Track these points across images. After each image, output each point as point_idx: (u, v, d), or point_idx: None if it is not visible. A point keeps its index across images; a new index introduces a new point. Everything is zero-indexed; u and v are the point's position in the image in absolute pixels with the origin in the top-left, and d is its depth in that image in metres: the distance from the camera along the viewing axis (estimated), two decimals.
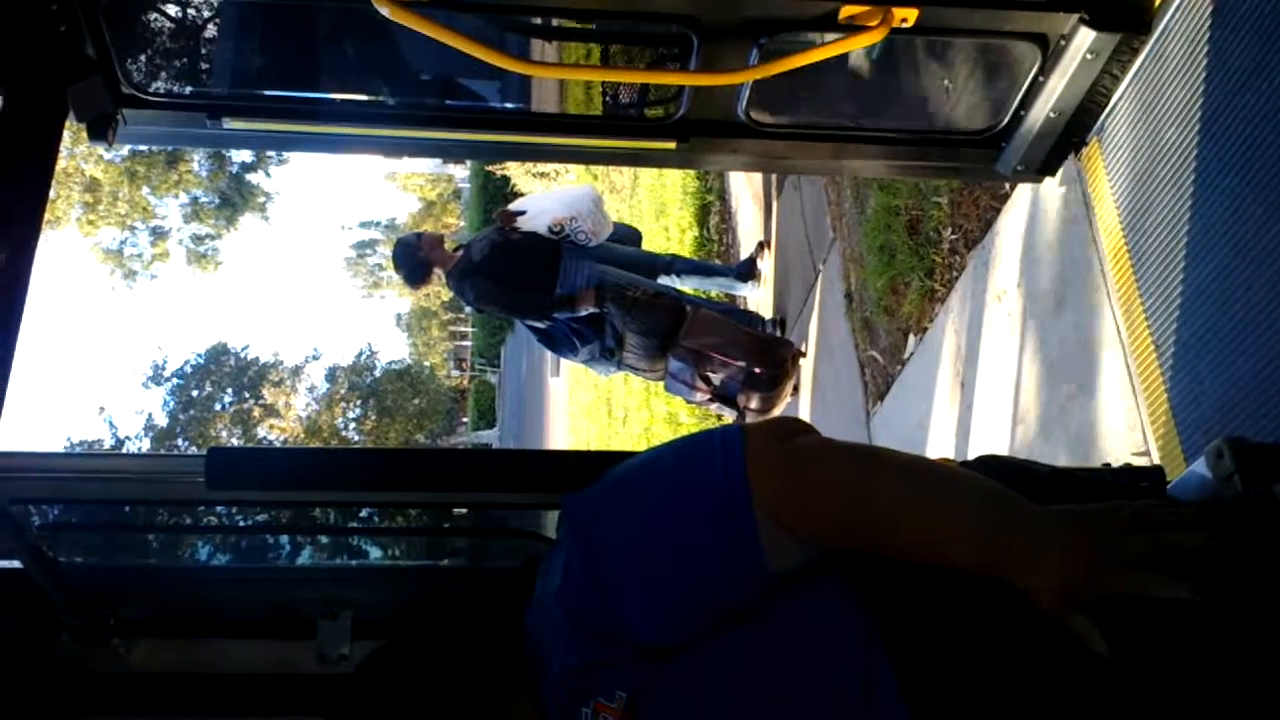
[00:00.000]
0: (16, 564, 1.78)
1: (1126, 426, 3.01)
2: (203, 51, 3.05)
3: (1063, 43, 2.60)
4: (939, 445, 4.21)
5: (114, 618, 1.86)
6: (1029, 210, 3.58)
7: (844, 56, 3.03)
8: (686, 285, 6.59)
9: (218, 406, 35.81)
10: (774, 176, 6.61)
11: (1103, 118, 2.86)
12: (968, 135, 2.94)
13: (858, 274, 5.08)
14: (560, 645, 1.19)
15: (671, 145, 2.78)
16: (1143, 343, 2.94)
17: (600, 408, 12.21)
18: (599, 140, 2.92)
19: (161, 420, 33.72)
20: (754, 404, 5.62)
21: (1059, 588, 1.07)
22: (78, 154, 25.62)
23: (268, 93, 2.97)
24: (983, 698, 1.09)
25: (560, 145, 2.98)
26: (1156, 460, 2.82)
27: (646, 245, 7.37)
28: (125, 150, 26.16)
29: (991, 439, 3.83)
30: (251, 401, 36.52)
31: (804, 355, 5.86)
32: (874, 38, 2.50)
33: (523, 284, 5.83)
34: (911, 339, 4.54)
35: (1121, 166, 2.99)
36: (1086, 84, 2.68)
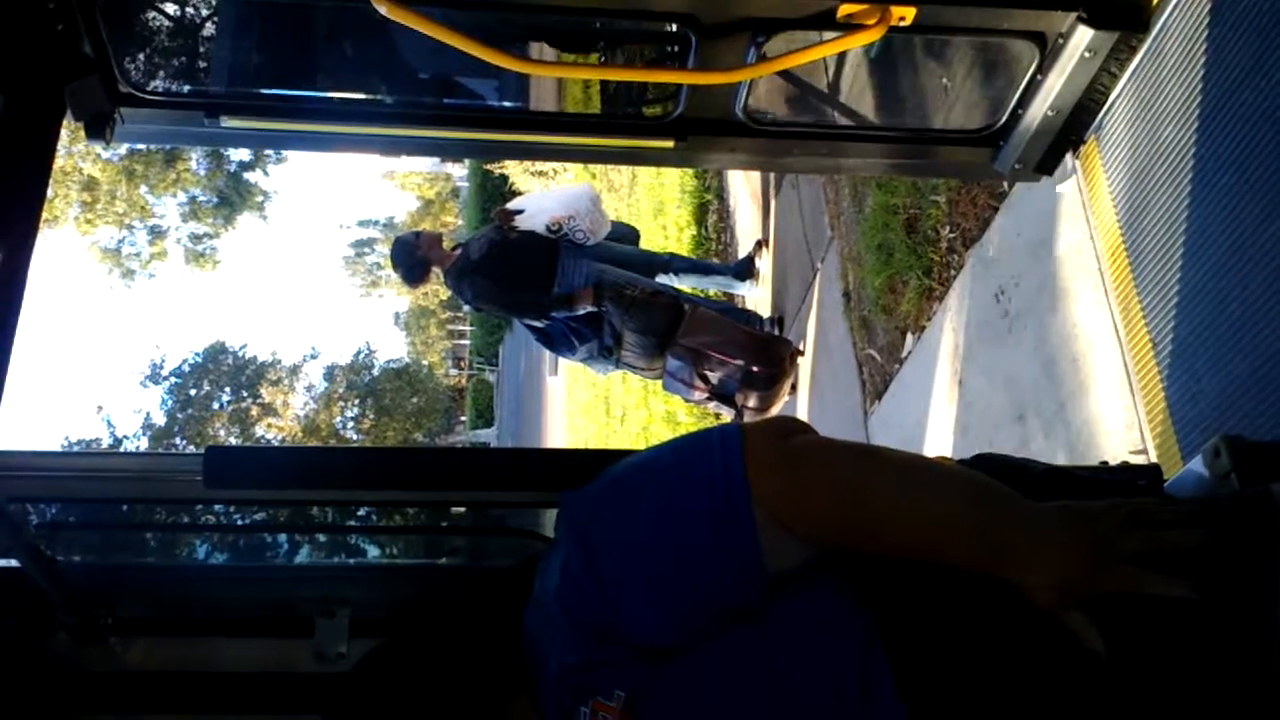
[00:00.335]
0: (14, 563, 1.78)
1: (1124, 425, 3.01)
2: (200, 50, 3.05)
3: (1061, 41, 2.60)
4: (937, 444, 4.21)
5: (111, 616, 1.86)
6: (1027, 209, 3.58)
7: (842, 55, 3.03)
8: (684, 284, 6.59)
9: (216, 405, 35.81)
10: (772, 175, 6.62)
11: (1101, 116, 2.86)
12: (965, 134, 2.94)
13: (856, 273, 5.08)
14: (559, 644, 1.19)
15: (669, 144, 2.78)
16: (1140, 341, 2.94)
17: (598, 406, 12.21)
18: (597, 139, 2.92)
19: (159, 419, 33.76)
20: (752, 403, 5.62)
21: (1056, 585, 1.08)
22: (75, 153, 25.60)
23: (265, 91, 2.96)
24: (980, 696, 1.09)
25: (558, 144, 2.98)
26: (1154, 458, 2.83)
27: (645, 244, 7.37)
28: (123, 149, 26.17)
29: (989, 438, 3.83)
30: (249, 400, 36.52)
31: (802, 354, 5.86)
32: (872, 36, 2.50)
33: (521, 283, 5.83)
34: (909, 338, 4.54)
35: (1119, 165, 2.99)
36: (1084, 82, 2.68)
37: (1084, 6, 2.53)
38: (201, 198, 32.61)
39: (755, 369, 5.56)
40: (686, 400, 6.20)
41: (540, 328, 6.11)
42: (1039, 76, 2.68)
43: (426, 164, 49.06)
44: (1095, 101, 2.75)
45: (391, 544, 2.34)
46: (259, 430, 36.13)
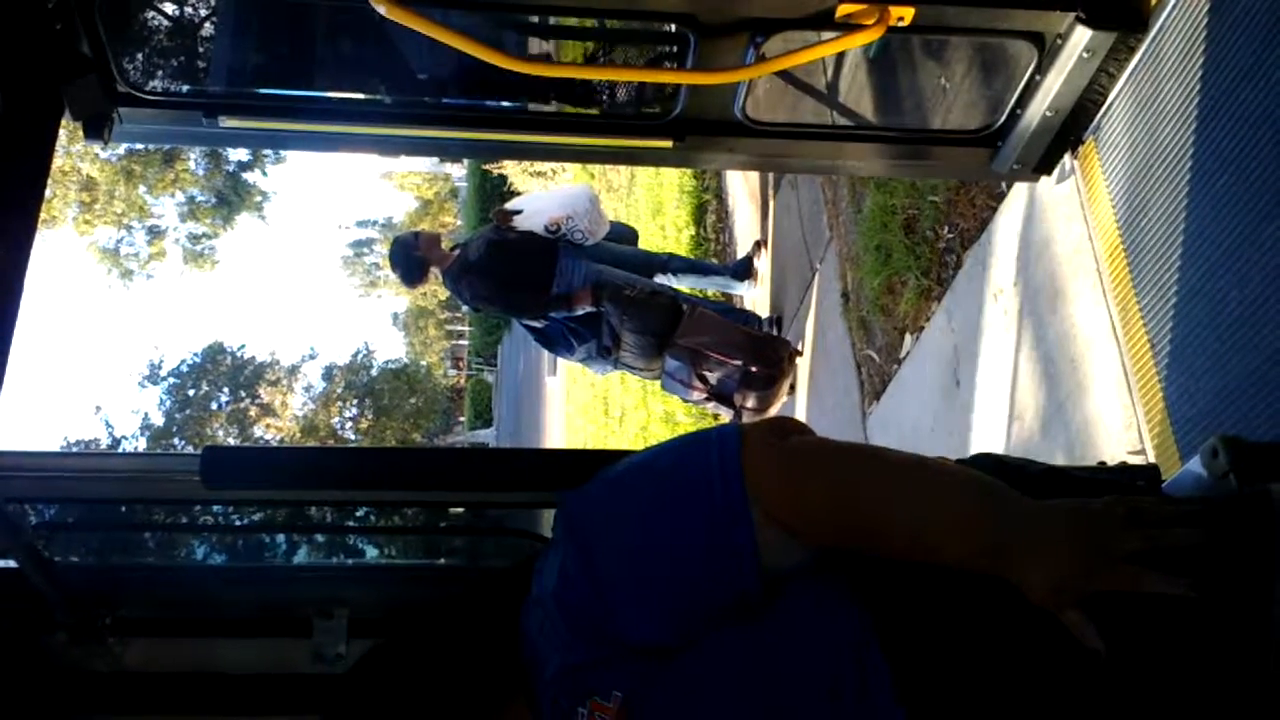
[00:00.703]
0: (12, 563, 1.78)
1: (1122, 425, 3.01)
2: (199, 49, 3.04)
3: (1059, 41, 2.60)
4: (935, 444, 4.21)
5: (109, 617, 1.86)
6: (1025, 209, 3.59)
7: (841, 55, 3.04)
8: (683, 284, 6.59)
9: (214, 406, 35.80)
10: (771, 175, 6.62)
11: (1099, 116, 2.86)
12: (964, 134, 2.94)
13: (854, 273, 5.08)
14: (556, 645, 1.19)
15: (668, 144, 2.78)
16: (1138, 341, 2.94)
17: (597, 407, 12.21)
18: (596, 139, 2.92)
19: (158, 419, 33.75)
20: (750, 403, 5.62)
21: (1054, 583, 1.07)
22: (74, 153, 25.58)
23: (264, 91, 2.96)
24: (978, 696, 1.09)
25: (557, 144, 2.98)
26: (1152, 459, 2.83)
27: (643, 244, 7.37)
28: (121, 149, 26.14)
29: (987, 438, 3.83)
30: (248, 401, 36.51)
31: (800, 354, 5.86)
32: (870, 36, 2.50)
33: (520, 283, 5.83)
34: (908, 338, 4.55)
35: (1118, 165, 3.00)
36: (1083, 82, 2.68)
37: (1082, 7, 2.53)
38: (200, 198, 32.60)
39: (754, 369, 5.56)
40: (685, 400, 6.20)
41: (539, 328, 6.11)
42: (1037, 77, 2.69)
43: (425, 164, 49.09)
44: (1094, 102, 2.75)
45: (390, 544, 2.34)
46: (257, 430, 36.12)
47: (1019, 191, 3.62)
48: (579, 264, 5.82)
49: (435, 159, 37.60)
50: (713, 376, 5.59)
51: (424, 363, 49.45)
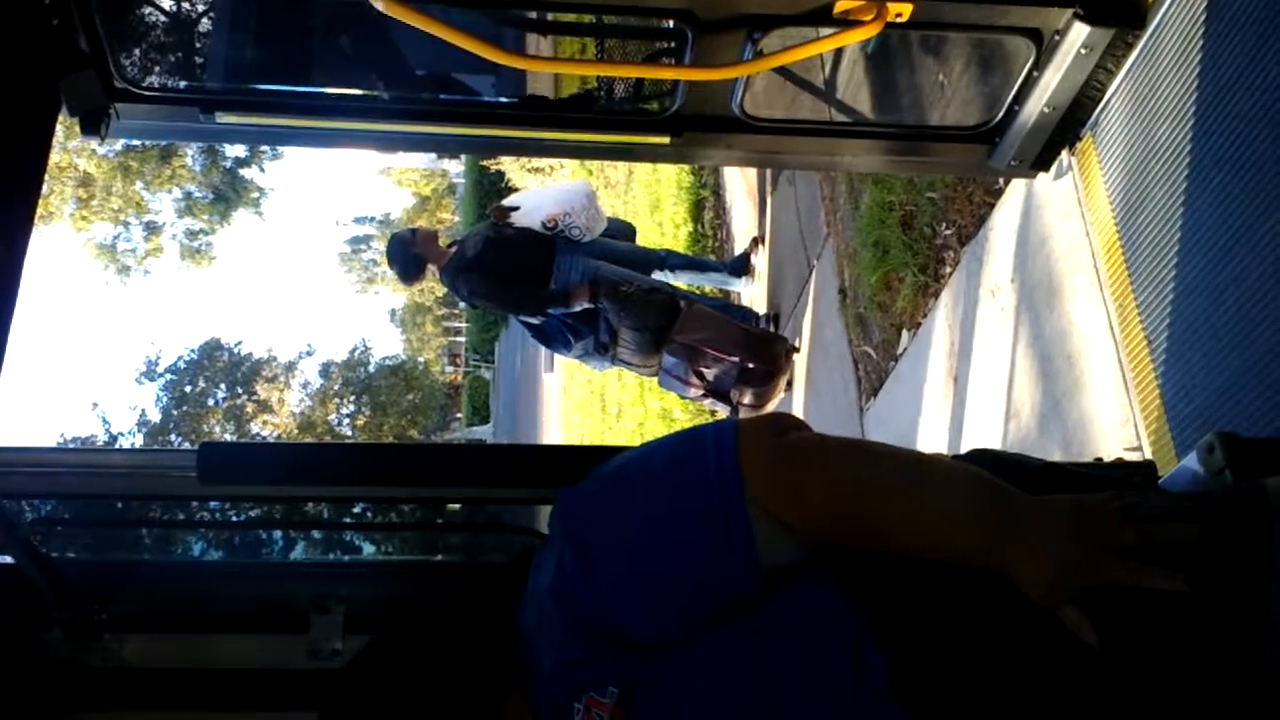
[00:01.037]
0: (8, 559, 1.77)
1: (1119, 421, 3.02)
2: (196, 45, 3.04)
3: (1057, 38, 2.60)
4: (932, 440, 4.21)
5: (106, 612, 1.86)
6: (1023, 205, 3.59)
7: (839, 51, 3.03)
8: (680, 280, 6.59)
9: (211, 402, 35.78)
10: (768, 172, 6.61)
11: (1097, 113, 2.86)
12: (962, 130, 2.94)
13: (852, 269, 5.08)
14: (553, 641, 1.19)
15: (666, 140, 2.78)
16: (1135, 337, 2.94)
17: (594, 403, 12.21)
18: (593, 135, 2.92)
19: (155, 416, 33.72)
20: (748, 399, 5.63)
21: (1051, 578, 1.08)
22: (71, 149, 25.54)
23: (261, 87, 2.96)
24: (974, 692, 1.09)
25: (554, 140, 2.98)
26: (1148, 455, 2.83)
27: (641, 240, 7.36)
28: (118, 145, 26.09)
29: (984, 434, 3.83)
30: (245, 397, 36.48)
31: (798, 350, 5.86)
32: (868, 32, 2.50)
33: (517, 280, 5.82)
34: (905, 334, 4.55)
35: (1115, 162, 3.00)
36: (1081, 79, 2.68)
37: (1080, 3, 2.53)
38: (197, 194, 32.55)
39: (751, 366, 5.56)
40: (682, 397, 6.20)
41: (536, 324, 6.11)
42: (1035, 73, 2.69)
43: (423, 160, 49.04)
44: (1091, 98, 2.75)
45: (387, 540, 2.34)
46: (254, 427, 36.10)
47: (1016, 188, 3.62)
48: (576, 260, 5.82)
49: (433, 155, 37.58)
50: (710, 373, 5.59)
51: (421, 359, 49.43)
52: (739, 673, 1.13)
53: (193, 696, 1.89)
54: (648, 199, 10.08)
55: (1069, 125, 2.81)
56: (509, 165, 14.06)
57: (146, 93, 2.62)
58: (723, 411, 5.84)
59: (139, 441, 31.33)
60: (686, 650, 1.14)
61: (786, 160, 3.74)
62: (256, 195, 34.72)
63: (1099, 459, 1.90)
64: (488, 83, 3.09)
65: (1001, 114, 2.81)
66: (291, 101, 2.88)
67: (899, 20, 2.51)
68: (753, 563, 1.14)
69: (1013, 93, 2.75)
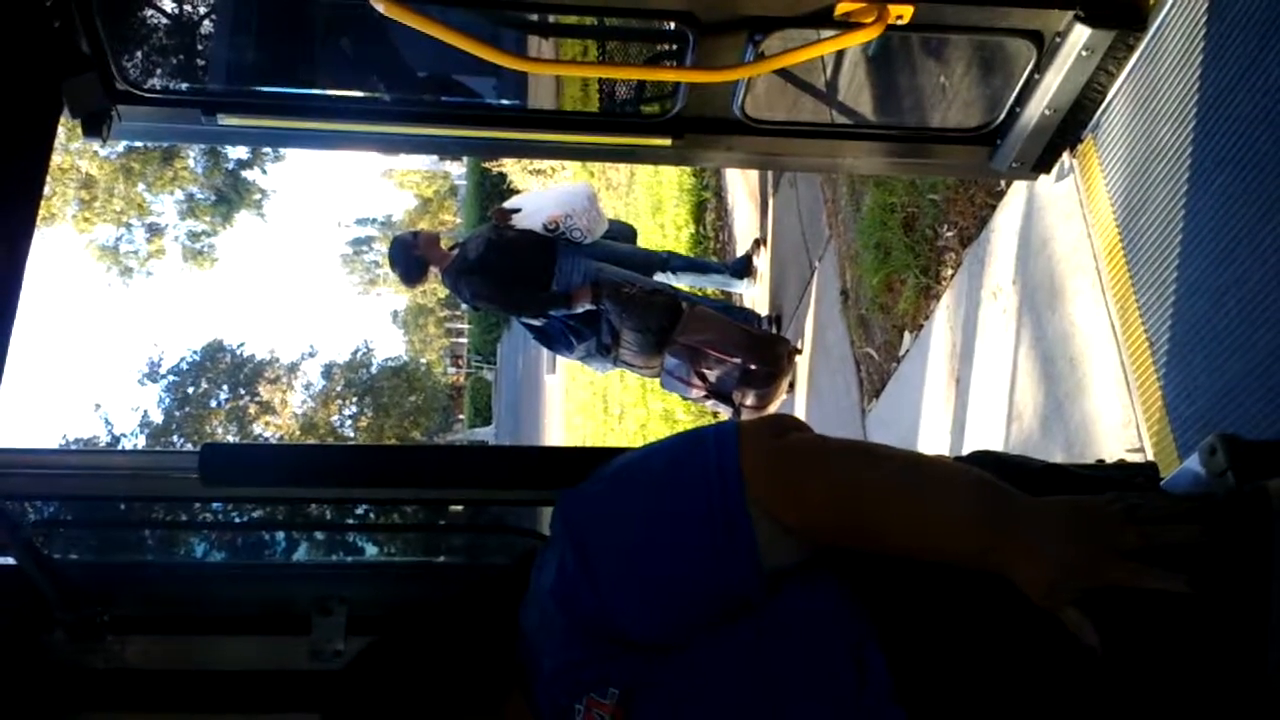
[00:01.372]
0: (10, 560, 1.77)
1: (1121, 423, 3.02)
2: (198, 47, 3.05)
3: (1058, 40, 2.60)
4: (934, 442, 4.21)
5: (108, 614, 1.86)
6: (1024, 207, 3.59)
7: (840, 54, 3.04)
8: (682, 282, 6.59)
9: (213, 403, 35.78)
10: (770, 174, 6.62)
11: (1098, 115, 2.86)
12: (963, 132, 2.94)
13: (853, 271, 5.08)
14: (554, 642, 1.19)
15: (667, 142, 2.78)
16: (1137, 339, 2.94)
17: (596, 404, 12.21)
18: (595, 137, 2.92)
19: (157, 417, 33.72)
20: (749, 401, 5.63)
21: (1052, 579, 1.08)
22: (73, 150, 25.56)
23: (263, 89, 2.96)
24: (976, 693, 1.09)
25: (556, 142, 2.98)
26: (1150, 457, 2.83)
27: (643, 242, 7.37)
28: (120, 147, 26.11)
29: (986, 435, 3.83)
30: (247, 398, 36.49)
31: (799, 352, 5.86)
32: (869, 35, 2.50)
33: (519, 282, 5.83)
34: (907, 336, 4.55)
35: (1117, 163, 3.00)
36: (1082, 81, 2.68)
37: (1081, 5, 2.53)
38: (199, 195, 32.57)
39: (753, 367, 5.56)
40: (684, 398, 6.20)
41: (538, 326, 6.11)
42: (1036, 75, 2.69)
43: (425, 162, 49.04)
44: (1092, 100, 2.75)
45: (389, 542, 2.34)
46: (256, 428, 36.11)
47: (1018, 190, 3.62)
48: (578, 262, 5.82)
49: (435, 157, 37.58)
50: (712, 374, 5.59)
51: (423, 361, 49.42)
52: (740, 674, 1.13)
53: (195, 698, 1.89)
54: (649, 201, 10.08)
55: (1070, 127, 2.81)
56: (511, 167, 14.07)
57: (148, 94, 2.62)
58: (725, 413, 5.84)
59: (141, 443, 31.33)
60: (688, 651, 1.14)
61: (788, 162, 3.74)
62: (258, 197, 34.75)
63: (1101, 461, 1.90)
64: (489, 85, 3.09)
65: (1003, 116, 2.81)
66: (293, 103, 2.88)
67: (900, 22, 2.51)
68: (754, 564, 1.14)
69: (1014, 95, 2.75)
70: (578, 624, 1.17)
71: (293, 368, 38.73)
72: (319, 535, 2.29)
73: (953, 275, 4.12)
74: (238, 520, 2.14)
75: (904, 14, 2.49)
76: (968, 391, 4.01)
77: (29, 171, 2.10)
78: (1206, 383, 2.66)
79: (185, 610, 1.94)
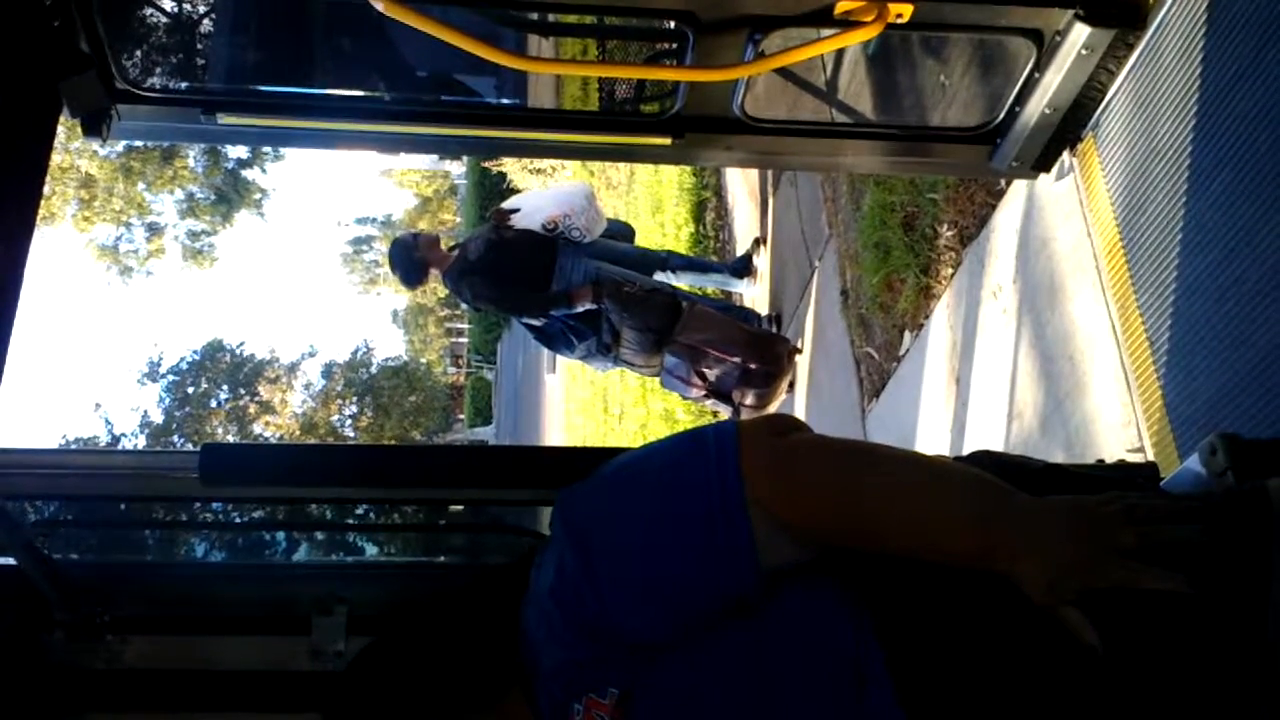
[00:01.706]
0: (11, 560, 1.77)
1: (1121, 423, 3.02)
2: (197, 46, 3.05)
3: (1058, 38, 2.60)
4: (934, 442, 4.21)
5: (108, 614, 1.86)
6: (1024, 206, 3.59)
7: (839, 52, 3.04)
8: (682, 281, 6.59)
9: (213, 403, 35.81)
10: (770, 173, 6.62)
11: (1098, 114, 2.86)
12: (963, 131, 2.94)
13: (853, 270, 5.08)
14: (553, 641, 1.19)
15: (667, 141, 2.78)
16: (1137, 339, 2.94)
17: (596, 404, 12.21)
18: (594, 136, 2.92)
19: (157, 417, 33.76)
20: (749, 400, 5.63)
21: (1051, 579, 1.08)
22: (72, 150, 25.57)
23: (263, 88, 2.96)
24: (976, 695, 1.09)
25: (556, 141, 2.98)
26: (1150, 456, 2.83)
27: (643, 241, 7.37)
28: (120, 146, 26.12)
29: (986, 435, 3.83)
30: (247, 398, 36.53)
31: (799, 352, 5.86)
32: (869, 33, 2.50)
33: (519, 282, 5.83)
34: (907, 335, 4.55)
35: (1117, 163, 2.99)
36: (1082, 80, 2.68)
37: (1081, 4, 2.53)
38: (199, 195, 32.60)
39: (753, 366, 5.56)
40: (684, 398, 6.20)
41: (539, 326, 6.12)
42: (1036, 74, 2.69)
43: (424, 161, 49.03)
44: (1092, 99, 2.75)
45: (389, 542, 2.34)
46: (257, 428, 36.14)
47: (1018, 189, 3.62)
48: (578, 261, 5.83)
49: (434, 156, 37.58)
50: (712, 374, 5.59)
51: (423, 360, 49.46)
52: (739, 674, 1.13)
53: (195, 698, 1.89)
54: (649, 200, 10.08)
55: (1070, 126, 2.80)
56: (511, 166, 14.06)
57: (148, 94, 2.62)
58: (725, 412, 5.84)
59: (141, 443, 31.35)
60: (687, 651, 1.14)
61: (788, 161, 3.74)
62: (258, 196, 34.78)
63: (1101, 460, 1.90)
64: (489, 84, 3.09)
65: (1002, 115, 2.81)
66: (293, 103, 2.88)
67: (900, 21, 2.51)
68: (753, 564, 1.14)
69: (1014, 93, 2.75)
70: (577, 624, 1.17)
71: (293, 367, 38.81)
72: (319, 535, 2.29)
73: (953, 274, 4.12)
74: (238, 520, 2.14)
75: (904, 13, 2.49)
76: (968, 391, 4.01)
77: (29, 171, 2.10)
78: (1207, 382, 2.66)
79: (185, 610, 1.94)
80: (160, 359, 35.96)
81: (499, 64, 2.56)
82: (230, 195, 33.04)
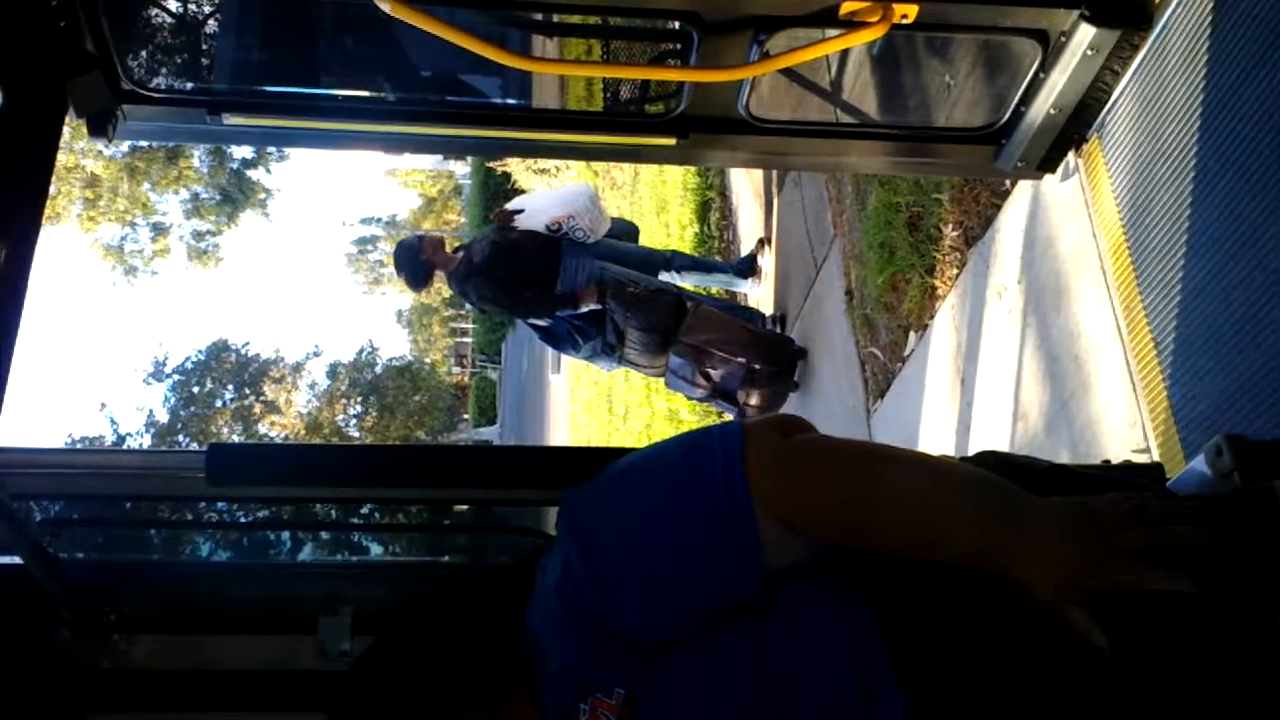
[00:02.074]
0: (17, 559, 1.78)
1: (1126, 423, 3.01)
2: (203, 47, 3.05)
3: (1063, 39, 2.60)
4: (939, 442, 4.21)
5: (114, 613, 1.86)
6: (1029, 207, 3.58)
7: (844, 53, 3.03)
8: (687, 282, 6.59)
9: (219, 403, 35.86)
10: (775, 173, 6.61)
11: (1103, 114, 2.86)
12: (968, 131, 2.94)
13: (858, 271, 5.08)
14: (559, 641, 1.19)
15: (671, 141, 2.78)
16: (1143, 340, 2.94)
17: (601, 404, 12.21)
18: (599, 136, 2.92)
19: (163, 417, 33.81)
20: (754, 400, 5.63)
21: (1058, 580, 1.07)
22: (78, 150, 25.60)
23: (268, 88, 2.96)
24: (982, 695, 1.09)
25: (561, 141, 2.98)
26: (1156, 457, 2.83)
27: (647, 241, 7.37)
28: (125, 146, 26.15)
29: (992, 436, 3.83)
30: (252, 398, 36.58)
31: (804, 352, 5.86)
32: (874, 34, 2.50)
33: (524, 283, 5.84)
34: (912, 336, 4.54)
35: (1122, 163, 2.99)
36: (1087, 80, 2.68)
37: (1087, 4, 2.53)
38: (204, 195, 32.63)
39: (757, 367, 5.56)
40: (689, 398, 6.20)
41: (544, 326, 6.13)
42: (1041, 74, 2.68)
43: (429, 161, 49.04)
44: (1098, 100, 2.75)
45: (394, 542, 2.34)
46: (262, 428, 36.19)
47: (1023, 189, 3.61)
48: (583, 262, 5.83)
49: (439, 156, 37.61)
50: (716, 374, 5.59)
51: (428, 360, 49.48)
52: (745, 674, 1.13)
53: (201, 697, 1.89)
54: (654, 200, 10.08)
55: (1075, 127, 2.80)
56: (515, 166, 14.07)
57: (153, 94, 2.62)
58: (729, 413, 5.84)
59: (147, 442, 31.39)
60: (692, 651, 1.14)
61: (792, 161, 3.74)
62: (263, 196, 34.80)
63: (1106, 461, 1.90)
64: (494, 84, 3.09)
65: (1008, 115, 2.80)
66: (298, 103, 2.88)
67: (905, 21, 2.50)
68: (759, 564, 1.14)
69: (1019, 94, 2.75)
70: (583, 623, 1.17)
71: (298, 367, 38.86)
72: (325, 535, 2.29)
73: (957, 275, 4.11)
74: (244, 520, 2.14)
75: (909, 13, 2.49)
76: (973, 391, 4.00)
77: (34, 171, 2.11)
78: (1212, 383, 2.66)
79: (191, 610, 1.95)
80: (165, 359, 35.95)
81: (504, 64, 2.57)
82: (235, 195, 33.07)
